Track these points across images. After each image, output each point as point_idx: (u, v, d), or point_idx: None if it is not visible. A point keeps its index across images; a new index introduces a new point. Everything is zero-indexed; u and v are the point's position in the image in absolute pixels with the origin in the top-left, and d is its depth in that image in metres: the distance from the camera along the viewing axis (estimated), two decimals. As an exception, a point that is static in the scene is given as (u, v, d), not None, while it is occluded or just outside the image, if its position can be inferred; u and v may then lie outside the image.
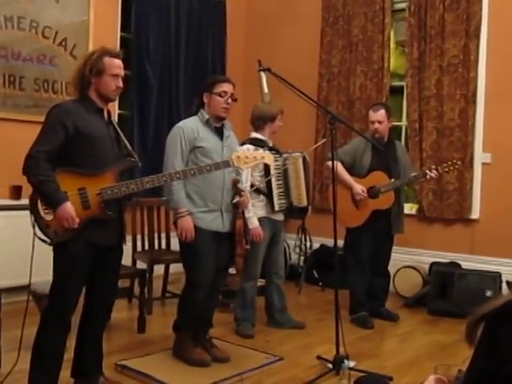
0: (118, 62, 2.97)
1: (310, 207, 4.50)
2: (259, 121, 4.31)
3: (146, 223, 5.06)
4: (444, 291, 5.07)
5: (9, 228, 4.61)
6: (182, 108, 6.27)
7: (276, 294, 4.51)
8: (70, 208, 2.76)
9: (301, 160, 4.35)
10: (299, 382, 3.43)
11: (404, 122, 6.08)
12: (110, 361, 3.47)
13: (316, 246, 6.16)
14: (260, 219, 4.16)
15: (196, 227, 3.54)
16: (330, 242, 5.39)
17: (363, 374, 3.30)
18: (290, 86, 3.54)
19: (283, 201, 4.32)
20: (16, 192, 4.81)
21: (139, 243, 5.02)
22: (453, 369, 1.67)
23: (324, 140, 3.88)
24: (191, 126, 3.59)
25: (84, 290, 3.05)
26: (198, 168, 3.16)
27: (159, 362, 3.66)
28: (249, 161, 3.16)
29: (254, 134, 4.33)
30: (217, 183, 3.58)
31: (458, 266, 5.40)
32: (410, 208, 5.94)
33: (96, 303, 3.07)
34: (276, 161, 4.22)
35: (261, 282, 4.63)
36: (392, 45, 6.18)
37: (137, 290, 4.50)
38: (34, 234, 2.82)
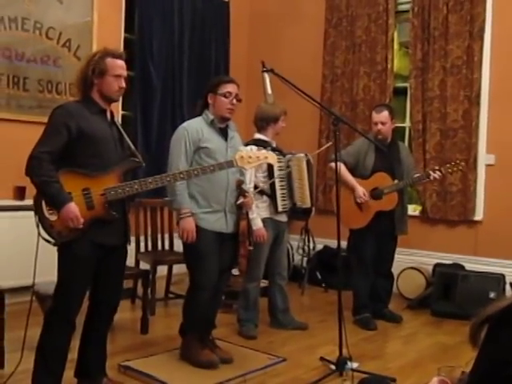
0: (121, 63, 2.97)
1: (313, 208, 4.50)
2: (262, 122, 4.32)
3: (149, 224, 5.06)
4: (447, 293, 5.06)
5: (13, 229, 4.62)
6: (185, 109, 6.28)
7: (279, 295, 4.51)
8: (74, 208, 2.76)
9: (304, 161, 4.35)
10: (302, 383, 3.42)
11: (407, 124, 6.07)
12: (113, 361, 3.47)
13: (319, 247, 6.16)
14: (263, 220, 4.16)
15: (199, 228, 3.54)
16: (333, 243, 5.38)
17: (366, 376, 3.30)
18: (293, 87, 3.54)
19: (286, 202, 4.32)
20: (20, 193, 4.82)
21: (142, 244, 5.02)
22: (456, 370, 1.67)
23: (329, 144, 3.88)
24: (196, 127, 3.59)
25: (88, 290, 3.05)
26: (201, 168, 3.16)
27: (162, 362, 3.66)
28: (252, 161, 3.16)
29: (258, 135, 4.33)
30: (221, 184, 3.58)
31: (462, 267, 5.39)
32: (413, 209, 5.93)
33: (101, 304, 3.07)
34: (279, 162, 4.23)
35: (264, 283, 4.63)
36: (395, 46, 6.17)
37: (140, 290, 4.50)
38: (39, 234, 2.82)
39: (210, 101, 3.63)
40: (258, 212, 4.14)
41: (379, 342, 4.39)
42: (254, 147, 4.12)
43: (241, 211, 3.66)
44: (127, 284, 4.52)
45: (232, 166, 3.22)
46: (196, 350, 3.62)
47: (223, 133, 3.66)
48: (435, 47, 5.73)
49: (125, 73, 2.99)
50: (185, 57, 6.35)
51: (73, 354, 3.08)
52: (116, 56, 2.96)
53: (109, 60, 2.92)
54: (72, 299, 2.90)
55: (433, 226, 5.86)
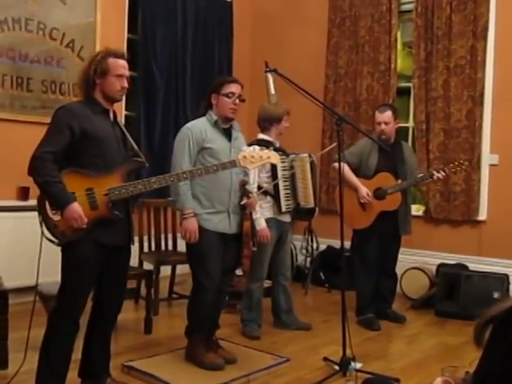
0: (123, 63, 2.97)
1: (317, 208, 4.49)
2: (265, 122, 4.32)
3: (152, 224, 5.07)
4: (451, 293, 5.05)
5: (16, 229, 4.63)
6: (188, 109, 6.28)
7: (282, 296, 4.51)
8: (77, 208, 2.76)
9: (308, 161, 4.35)
10: (306, 383, 3.42)
11: (411, 123, 6.06)
12: (117, 361, 3.47)
13: (323, 247, 6.16)
14: (267, 220, 4.16)
15: (202, 229, 3.54)
16: (336, 244, 5.38)
17: (370, 376, 3.29)
18: (296, 87, 3.55)
19: (290, 202, 4.31)
20: (23, 193, 4.83)
21: (146, 244, 5.03)
22: (460, 371, 1.67)
23: (334, 145, 3.87)
24: (199, 127, 3.59)
25: (92, 290, 3.06)
26: (204, 168, 3.16)
27: (166, 362, 3.66)
28: (255, 161, 3.16)
29: (261, 135, 4.33)
30: (224, 184, 3.58)
31: (465, 267, 5.38)
32: (416, 209, 5.92)
33: (105, 304, 3.08)
34: (283, 162, 4.23)
35: (267, 284, 4.63)
36: (399, 46, 6.17)
37: (143, 290, 4.50)
38: (42, 234, 2.83)
39: (213, 101, 3.63)
40: (262, 212, 4.14)
41: (383, 343, 4.38)
42: (257, 147, 4.12)
43: (244, 212, 3.66)
44: (131, 284, 4.53)
45: (235, 165, 3.21)
46: (201, 352, 3.61)
47: (227, 133, 3.66)
48: (438, 47, 5.72)
49: (127, 72, 2.99)
50: (188, 57, 6.35)
51: (76, 355, 3.08)
52: (118, 56, 2.96)
53: (111, 60, 2.92)
54: (76, 299, 2.90)
55: (436, 226, 5.85)
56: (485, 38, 5.49)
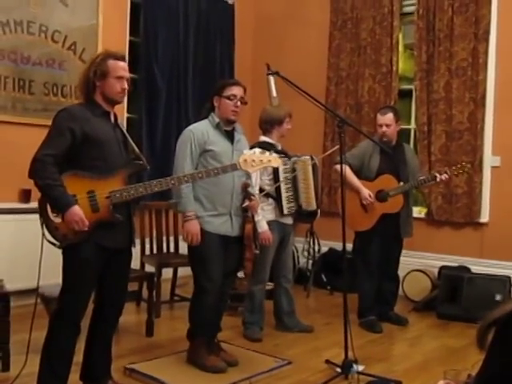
0: (123, 64, 2.97)
1: (319, 211, 4.49)
2: (266, 124, 4.32)
3: (154, 227, 5.07)
4: (453, 295, 5.04)
5: (18, 231, 4.63)
6: (190, 111, 6.28)
7: (284, 298, 4.51)
8: (78, 210, 2.76)
9: (310, 163, 4.34)
10: (308, 386, 3.43)
11: (413, 126, 6.06)
12: (119, 364, 3.47)
13: (324, 249, 6.15)
14: (269, 223, 4.16)
15: (205, 231, 3.54)
16: (338, 246, 5.36)
17: (372, 379, 3.29)
18: (298, 89, 3.54)
19: (292, 204, 4.31)
20: (25, 195, 4.83)
21: (147, 246, 5.03)
22: (462, 374, 1.67)
23: (336, 148, 3.87)
24: (201, 130, 3.59)
25: (94, 293, 3.05)
26: (205, 171, 3.16)
27: (167, 365, 3.66)
28: (255, 164, 3.16)
29: (263, 138, 4.33)
30: (226, 187, 3.57)
31: (468, 269, 5.38)
32: (418, 211, 5.92)
33: (106, 306, 3.07)
34: (285, 164, 4.23)
35: (269, 286, 4.62)
36: (400, 48, 6.16)
37: (145, 293, 4.50)
38: (43, 236, 2.83)
39: (215, 103, 3.63)
40: (264, 214, 4.14)
41: (385, 345, 4.37)
42: (258, 150, 4.12)
43: (246, 214, 3.66)
44: (132, 287, 4.54)
45: (236, 169, 3.21)
46: (203, 355, 3.61)
47: (229, 136, 3.66)
48: (440, 49, 5.72)
49: (127, 74, 2.99)
50: (190, 59, 6.35)
51: (78, 357, 3.07)
52: (118, 58, 2.96)
53: (110, 62, 2.92)
54: (77, 302, 2.90)
55: (438, 228, 5.84)
56: (486, 40, 5.49)
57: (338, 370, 3.55)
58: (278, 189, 4.23)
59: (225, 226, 3.60)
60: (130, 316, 4.63)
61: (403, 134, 5.52)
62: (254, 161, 3.15)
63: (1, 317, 3.39)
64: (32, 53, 5.06)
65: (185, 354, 3.73)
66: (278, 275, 4.50)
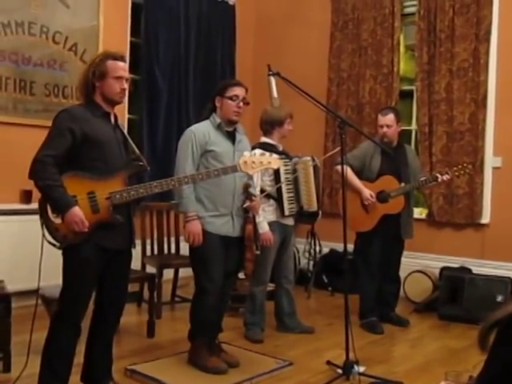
0: (122, 65, 2.97)
1: (320, 212, 4.49)
2: (267, 125, 4.31)
3: (155, 227, 5.06)
4: (454, 296, 5.04)
5: (18, 232, 4.63)
6: (191, 112, 6.28)
7: (285, 299, 4.50)
8: (78, 211, 2.76)
9: (311, 164, 4.34)
10: (309, 387, 3.42)
11: (414, 126, 6.06)
12: (120, 365, 3.47)
13: (325, 250, 6.15)
14: (270, 224, 4.15)
15: (206, 232, 3.54)
16: (339, 247, 5.34)
17: (373, 380, 3.29)
18: (299, 90, 3.54)
19: (293, 205, 4.31)
20: (26, 196, 4.83)
21: (148, 247, 5.02)
22: (463, 375, 1.66)
23: (337, 149, 3.87)
24: (203, 130, 3.59)
25: (94, 294, 3.05)
26: (206, 173, 3.16)
27: (168, 366, 3.66)
28: (256, 166, 3.16)
29: (264, 139, 4.33)
30: (228, 187, 3.57)
31: (469, 270, 5.37)
32: (419, 212, 5.91)
33: (106, 307, 3.07)
34: (286, 165, 4.22)
35: (270, 287, 4.62)
36: (401, 49, 6.16)
37: (146, 294, 4.50)
38: (43, 237, 2.82)
39: (217, 104, 3.63)
40: (265, 215, 4.14)
41: (386, 346, 4.37)
42: (258, 151, 4.11)
43: (247, 215, 3.66)
44: (133, 288, 4.54)
45: (236, 170, 3.21)
46: (204, 356, 3.61)
47: (231, 136, 3.66)
48: (441, 50, 5.72)
49: (126, 74, 2.99)
50: (191, 60, 6.35)
51: (79, 359, 3.07)
52: (116, 58, 2.96)
53: (109, 62, 2.92)
54: (78, 303, 2.90)
55: (439, 229, 5.83)
56: (488, 41, 5.49)
57: (339, 371, 3.55)
58: (279, 190, 4.23)
59: (226, 226, 3.60)
60: (131, 317, 4.63)
61: (404, 135, 5.52)
62: (253, 162, 3.15)
63: (2, 318, 3.39)
64: (33, 54, 5.06)
65: (186, 355, 3.73)
66: (279, 276, 4.50)
